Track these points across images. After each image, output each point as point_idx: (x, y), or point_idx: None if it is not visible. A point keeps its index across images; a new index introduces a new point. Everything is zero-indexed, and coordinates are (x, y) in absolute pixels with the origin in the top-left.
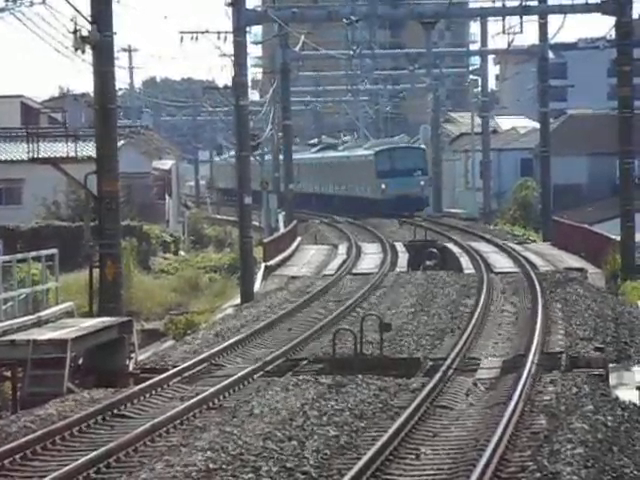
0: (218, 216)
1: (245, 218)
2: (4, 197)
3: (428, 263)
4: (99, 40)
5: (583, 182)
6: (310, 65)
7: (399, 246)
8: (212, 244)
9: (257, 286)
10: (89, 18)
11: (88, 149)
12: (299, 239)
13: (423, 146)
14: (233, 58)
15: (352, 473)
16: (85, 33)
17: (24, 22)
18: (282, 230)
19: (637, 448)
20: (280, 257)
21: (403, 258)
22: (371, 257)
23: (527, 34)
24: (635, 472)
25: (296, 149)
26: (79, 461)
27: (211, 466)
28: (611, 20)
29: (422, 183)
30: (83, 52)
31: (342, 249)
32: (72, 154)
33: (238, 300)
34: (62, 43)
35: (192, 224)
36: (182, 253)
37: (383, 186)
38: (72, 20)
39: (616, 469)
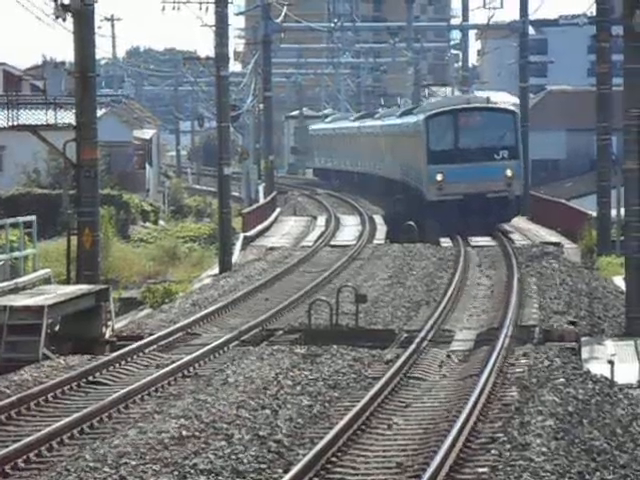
0: (198, 186)
1: (225, 189)
2: None
3: (406, 236)
4: (80, 8)
5: (561, 157)
6: (292, 37)
7: (378, 218)
8: (192, 214)
9: (235, 256)
10: None
11: (68, 117)
12: (278, 210)
13: (512, 107)
14: (215, 29)
15: (324, 442)
16: (66, 1)
17: None
18: (262, 201)
19: (607, 421)
20: (259, 228)
21: (381, 230)
22: (349, 229)
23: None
24: (604, 445)
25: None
26: (53, 426)
27: (184, 433)
28: None
29: (509, 173)
30: (64, 20)
31: (321, 221)
32: (52, 122)
33: (216, 270)
34: (43, 11)
35: (172, 194)
36: (162, 223)
37: (439, 177)
38: None
39: (585, 442)
